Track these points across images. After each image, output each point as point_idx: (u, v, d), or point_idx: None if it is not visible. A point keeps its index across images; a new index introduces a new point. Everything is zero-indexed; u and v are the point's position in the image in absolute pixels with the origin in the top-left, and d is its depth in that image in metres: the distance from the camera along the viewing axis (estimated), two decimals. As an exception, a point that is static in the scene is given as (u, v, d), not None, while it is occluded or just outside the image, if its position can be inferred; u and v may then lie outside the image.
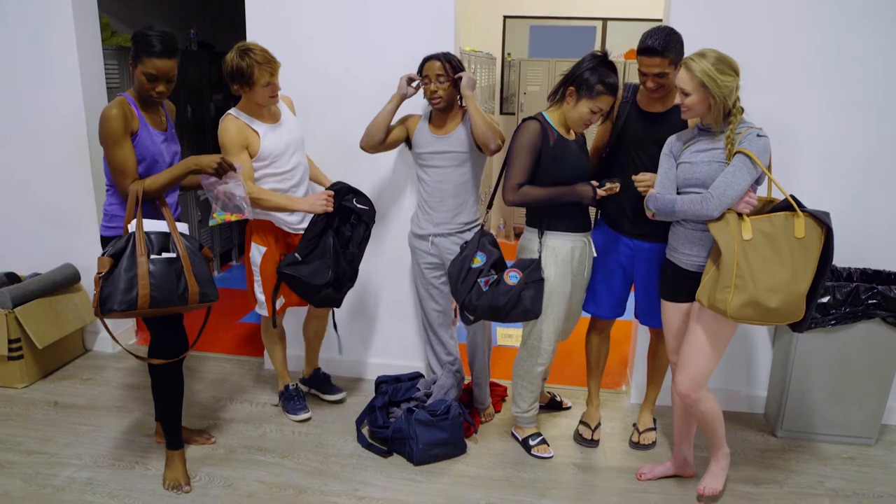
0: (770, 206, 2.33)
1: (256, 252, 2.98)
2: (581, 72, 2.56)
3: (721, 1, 2.92)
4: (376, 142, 2.91)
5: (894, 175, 3.01)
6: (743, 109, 2.30)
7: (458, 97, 2.85)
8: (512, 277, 2.68)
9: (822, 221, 2.24)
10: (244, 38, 3.26)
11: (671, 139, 2.49)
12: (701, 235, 2.37)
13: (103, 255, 2.30)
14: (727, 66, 2.23)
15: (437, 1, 3.12)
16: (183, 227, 2.48)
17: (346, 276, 2.91)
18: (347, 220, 2.93)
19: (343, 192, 2.91)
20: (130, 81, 4.20)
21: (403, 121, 3.00)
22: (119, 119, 2.33)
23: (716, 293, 2.25)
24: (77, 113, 3.53)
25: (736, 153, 2.24)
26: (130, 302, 2.26)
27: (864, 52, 2.90)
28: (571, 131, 2.71)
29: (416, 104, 3.03)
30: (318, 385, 3.36)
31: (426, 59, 2.82)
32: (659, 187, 2.44)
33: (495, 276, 2.71)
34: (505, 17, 6.79)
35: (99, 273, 2.27)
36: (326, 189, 2.88)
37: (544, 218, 2.72)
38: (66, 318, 3.61)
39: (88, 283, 3.75)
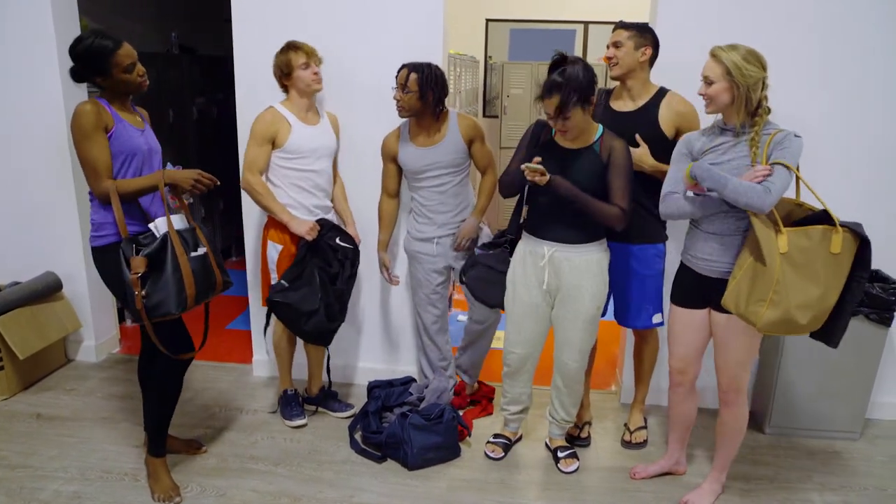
0: (801, 212, 2.26)
1: (273, 250, 2.98)
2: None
3: (710, 2, 2.95)
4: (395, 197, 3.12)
5: (876, 174, 3.07)
6: (770, 110, 2.25)
7: (433, 109, 2.84)
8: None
9: (858, 235, 2.17)
10: (228, 41, 3.24)
11: (689, 137, 2.42)
12: (722, 240, 2.31)
13: (138, 254, 2.29)
14: (754, 59, 2.20)
15: (426, 5, 3.12)
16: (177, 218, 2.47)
17: (335, 310, 2.91)
18: (334, 257, 2.93)
19: (326, 229, 2.93)
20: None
21: (386, 158, 3.02)
22: (91, 114, 2.31)
23: (749, 304, 2.19)
24: (57, 118, 3.46)
25: (776, 164, 2.16)
26: (183, 303, 2.32)
27: (862, 52, 2.95)
28: (566, 139, 2.57)
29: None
30: (325, 403, 3.30)
31: (401, 66, 2.83)
32: (671, 185, 2.39)
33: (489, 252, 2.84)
34: (487, 21, 6.82)
35: (136, 273, 2.26)
36: (316, 221, 2.91)
37: (522, 216, 2.75)
38: (48, 327, 3.54)
39: (71, 292, 3.69)
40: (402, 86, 2.79)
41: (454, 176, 2.93)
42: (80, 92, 3.58)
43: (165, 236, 2.33)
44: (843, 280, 2.20)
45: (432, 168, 2.91)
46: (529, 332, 2.74)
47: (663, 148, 2.65)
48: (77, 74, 2.41)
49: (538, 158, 2.45)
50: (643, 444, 3.07)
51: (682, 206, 2.35)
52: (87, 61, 2.35)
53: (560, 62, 2.44)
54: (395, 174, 3.03)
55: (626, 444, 3.07)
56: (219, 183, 2.44)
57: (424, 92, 2.77)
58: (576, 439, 3.05)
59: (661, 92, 2.73)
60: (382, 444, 2.90)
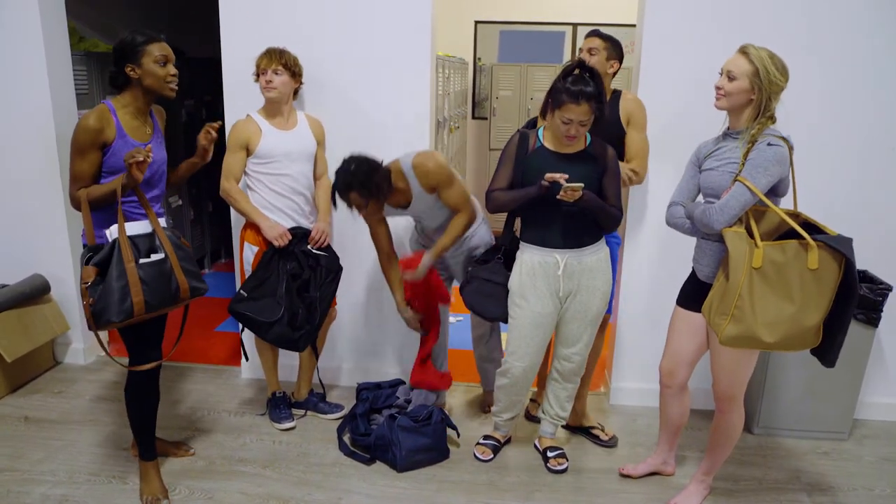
0: (794, 221, 2.15)
1: (249, 251, 3.00)
2: (553, 83, 2.49)
3: (698, 3, 2.96)
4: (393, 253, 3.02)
5: (864, 177, 3.09)
6: (775, 119, 2.22)
7: (388, 190, 2.78)
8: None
9: (838, 252, 2.06)
10: (217, 44, 3.24)
11: (700, 145, 2.42)
12: (707, 246, 2.34)
13: (87, 263, 2.24)
14: (782, 66, 2.16)
15: (414, 7, 3.12)
16: (161, 222, 2.45)
17: (302, 318, 2.89)
18: (306, 263, 2.93)
19: (299, 237, 2.93)
20: (99, 87, 4.14)
21: (375, 225, 2.95)
22: (90, 132, 2.28)
23: (715, 315, 2.20)
24: (46, 119, 3.45)
25: (736, 180, 2.16)
26: (127, 311, 2.24)
27: (851, 57, 2.97)
28: (568, 144, 2.55)
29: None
30: (315, 407, 3.29)
31: (343, 195, 2.72)
32: (676, 195, 2.45)
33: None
34: (476, 22, 6.83)
35: (84, 283, 2.22)
36: (290, 229, 2.93)
37: (514, 226, 2.75)
38: (36, 330, 3.52)
39: (59, 294, 3.67)
40: (359, 207, 2.73)
41: (442, 212, 2.92)
42: (69, 95, 3.58)
43: (115, 242, 2.27)
44: (826, 298, 2.10)
45: (421, 219, 2.98)
46: (538, 344, 2.72)
47: (621, 143, 2.84)
48: (114, 74, 2.38)
49: (565, 175, 2.41)
50: (614, 438, 3.09)
51: (676, 222, 2.41)
52: (122, 51, 2.34)
53: (576, 69, 2.44)
54: (387, 235, 2.98)
55: (603, 443, 3.08)
56: (147, 152, 2.23)
57: (374, 196, 2.70)
58: (605, 442, 3.07)
59: (617, 93, 2.84)
60: (371, 447, 2.89)
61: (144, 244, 2.33)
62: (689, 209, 2.34)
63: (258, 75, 2.90)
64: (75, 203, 2.35)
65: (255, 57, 2.91)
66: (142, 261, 2.29)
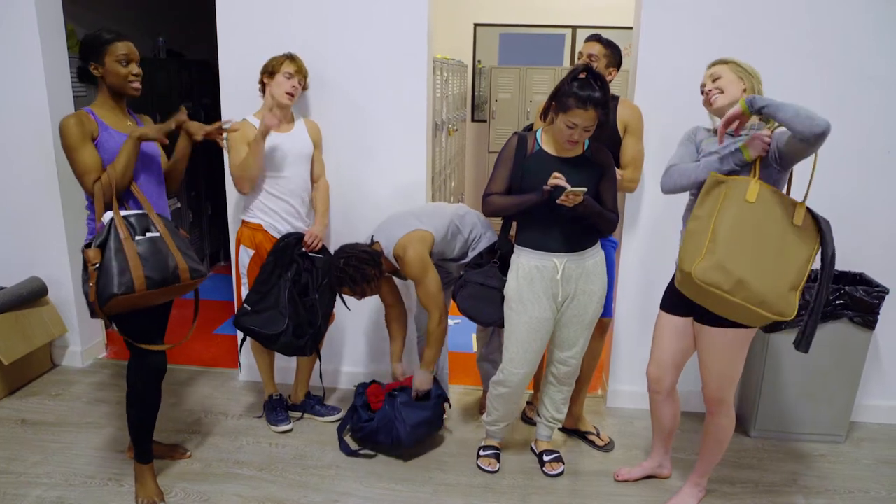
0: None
1: (245, 254, 3.01)
2: (559, 86, 2.46)
3: (693, 6, 2.96)
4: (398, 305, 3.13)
5: (865, 177, 3.09)
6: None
7: (379, 272, 2.85)
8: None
9: (816, 219, 2.18)
10: (214, 46, 3.24)
11: (696, 126, 2.47)
12: None
13: (89, 246, 2.25)
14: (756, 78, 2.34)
15: (410, 10, 3.12)
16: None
17: (305, 323, 2.92)
18: (303, 267, 2.97)
19: (291, 246, 2.96)
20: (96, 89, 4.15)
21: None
22: (75, 125, 2.31)
23: (685, 256, 2.21)
24: (43, 122, 3.45)
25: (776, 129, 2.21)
26: (127, 285, 2.23)
27: (855, 53, 2.96)
28: (569, 148, 2.54)
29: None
30: (311, 409, 3.29)
31: (338, 290, 2.89)
32: (676, 160, 2.45)
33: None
34: (476, 25, 6.84)
35: (93, 265, 2.24)
36: (286, 235, 2.96)
37: (512, 230, 2.74)
38: (34, 332, 3.52)
39: (56, 297, 3.67)
40: (356, 297, 2.87)
41: (451, 246, 2.95)
42: (66, 97, 3.58)
43: (111, 222, 2.29)
44: (800, 264, 2.16)
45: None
46: (536, 350, 2.69)
47: (616, 150, 2.82)
48: (81, 70, 2.40)
49: (561, 176, 2.40)
50: (611, 443, 3.09)
51: (683, 171, 2.38)
52: (88, 48, 2.36)
53: (583, 73, 2.42)
54: (389, 290, 3.05)
55: (599, 448, 3.07)
56: (197, 137, 2.41)
57: (367, 287, 2.82)
58: (601, 448, 3.07)
59: (615, 98, 2.81)
60: (375, 431, 2.89)
61: (140, 223, 2.35)
62: (771, 102, 2.12)
63: (273, 73, 2.88)
64: (100, 193, 2.31)
65: (275, 56, 2.91)
66: (137, 238, 2.31)
